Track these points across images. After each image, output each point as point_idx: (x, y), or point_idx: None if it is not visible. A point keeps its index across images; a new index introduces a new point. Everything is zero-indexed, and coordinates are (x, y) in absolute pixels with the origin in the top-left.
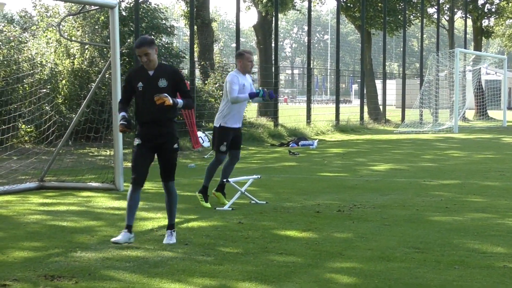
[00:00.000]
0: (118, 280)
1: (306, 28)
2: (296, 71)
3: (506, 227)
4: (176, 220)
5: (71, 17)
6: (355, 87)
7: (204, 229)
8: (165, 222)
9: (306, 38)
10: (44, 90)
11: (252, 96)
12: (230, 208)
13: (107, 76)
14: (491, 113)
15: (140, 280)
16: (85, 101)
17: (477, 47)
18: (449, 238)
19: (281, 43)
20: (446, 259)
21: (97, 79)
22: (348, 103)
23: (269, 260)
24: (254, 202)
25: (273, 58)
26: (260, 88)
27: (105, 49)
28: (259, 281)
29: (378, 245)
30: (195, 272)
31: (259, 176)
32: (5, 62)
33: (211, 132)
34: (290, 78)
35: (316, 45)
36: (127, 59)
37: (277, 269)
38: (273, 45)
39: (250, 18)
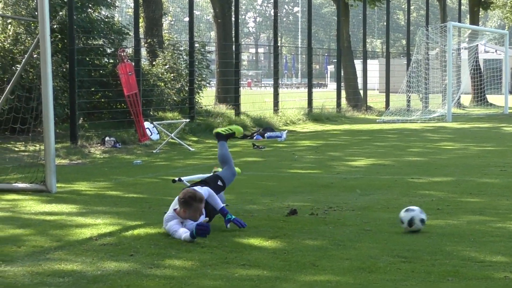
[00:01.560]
0: None
1: None
2: (261, 50)
3: (507, 231)
4: (119, 226)
5: None
6: (330, 68)
7: (153, 237)
8: (106, 229)
9: (273, 10)
10: None
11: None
12: None
13: (35, 56)
14: (490, 98)
15: None
16: (8, 86)
17: (474, 21)
18: (441, 244)
19: (243, 16)
20: (438, 269)
21: (23, 60)
22: (323, 87)
23: (229, 273)
24: None
25: (233, 34)
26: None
27: (32, 24)
28: None
29: (358, 253)
30: None
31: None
32: None
33: (160, 122)
34: (254, 58)
35: (285, 19)
36: (59, 36)
37: (239, 284)
38: (233, 19)
39: None
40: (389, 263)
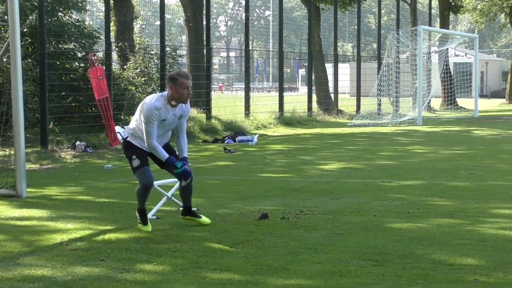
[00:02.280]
0: None
1: (244, 2)
2: (232, 54)
3: (477, 234)
4: (90, 231)
5: None
6: (302, 72)
7: (124, 242)
8: (77, 234)
9: (244, 14)
10: None
11: (170, 163)
12: (154, 217)
13: (5, 60)
14: (460, 101)
15: None
16: None
17: (444, 24)
18: (412, 248)
19: (215, 20)
20: (408, 272)
21: None
22: (294, 91)
23: (200, 277)
24: (182, 209)
25: (204, 38)
26: (182, 163)
27: (2, 28)
28: None
29: (329, 257)
30: None
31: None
32: None
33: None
34: (225, 62)
35: (256, 23)
36: (29, 40)
37: None
38: (204, 22)
39: None
40: (360, 267)
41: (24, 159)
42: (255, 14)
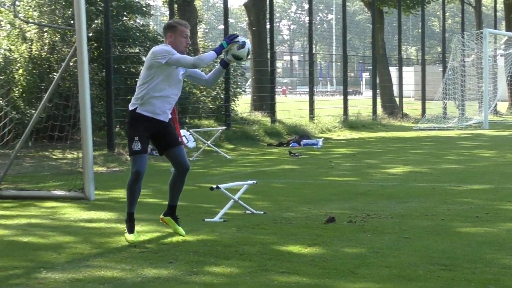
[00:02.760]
0: None
1: (306, 6)
2: (295, 57)
3: None
4: (157, 234)
5: None
6: (365, 75)
7: (191, 244)
8: (145, 236)
9: (307, 18)
10: None
11: (218, 52)
12: (222, 220)
13: (71, 64)
14: None
15: None
16: (46, 95)
17: (510, 27)
18: (481, 252)
19: (278, 24)
20: (478, 277)
21: (61, 68)
22: (358, 95)
23: (269, 280)
24: (249, 212)
25: (268, 42)
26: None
27: (68, 33)
28: None
29: (397, 261)
30: None
31: (254, 182)
32: None
33: (197, 130)
34: (289, 65)
35: (319, 27)
36: (95, 44)
37: None
38: (268, 26)
39: None
40: (428, 271)
41: (92, 162)
42: (318, 18)
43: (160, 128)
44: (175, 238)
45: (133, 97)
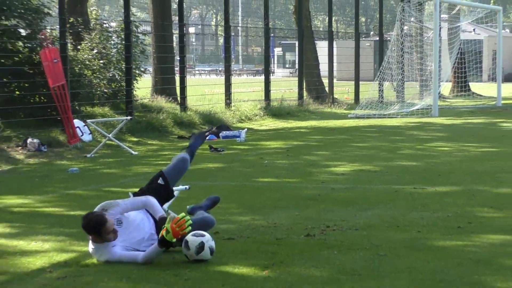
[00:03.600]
0: None
1: None
2: (192, 30)
3: None
4: (74, 254)
5: None
6: (278, 51)
7: (119, 267)
8: (59, 257)
9: None
10: None
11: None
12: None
13: None
14: (472, 86)
15: None
16: None
17: None
18: (478, 274)
19: None
20: None
21: None
22: (270, 75)
23: None
24: None
25: (174, 13)
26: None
27: None
28: None
29: (380, 286)
30: None
31: (187, 187)
32: None
33: (95, 120)
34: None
35: None
36: None
37: None
38: None
39: None
40: None
41: None
42: None
43: None
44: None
45: None
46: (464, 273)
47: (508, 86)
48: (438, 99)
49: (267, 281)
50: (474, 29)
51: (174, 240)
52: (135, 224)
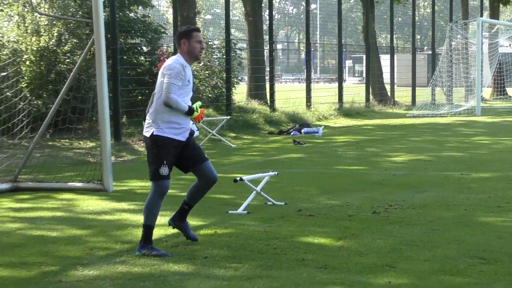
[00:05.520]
0: None
1: None
2: (279, 46)
3: None
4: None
5: None
6: (349, 63)
7: (222, 238)
8: (173, 230)
9: (291, 8)
10: (4, 74)
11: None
12: (246, 212)
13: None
14: (509, 90)
15: None
16: (65, 86)
17: (494, 15)
18: None
19: (264, 14)
20: None
21: (79, 59)
22: (343, 82)
23: (310, 276)
24: (271, 203)
25: (265, 33)
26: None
27: (71, 23)
28: None
29: (434, 255)
30: None
31: (276, 173)
32: None
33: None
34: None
35: (302, 16)
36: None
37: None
38: (266, 16)
39: None
40: (469, 265)
41: (110, 154)
42: (301, 7)
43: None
44: (202, 231)
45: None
46: (504, 244)
47: None
48: (481, 101)
49: (341, 250)
50: (510, 44)
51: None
52: None
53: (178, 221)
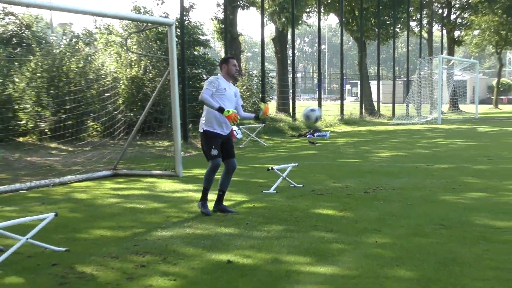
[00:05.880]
0: (197, 256)
1: (307, 39)
2: (298, 75)
3: (511, 205)
4: (232, 202)
5: (127, 33)
6: (348, 87)
7: (258, 210)
8: (225, 203)
9: (307, 48)
10: (108, 94)
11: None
12: (275, 192)
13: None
14: (461, 106)
15: (217, 256)
16: (149, 103)
17: (450, 54)
18: (466, 216)
19: (288, 52)
20: (470, 235)
21: (159, 85)
22: (344, 100)
23: (320, 236)
24: (293, 185)
25: (289, 65)
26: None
27: (153, 59)
28: (314, 255)
29: (408, 223)
30: (258, 248)
31: (296, 164)
32: (78, 72)
33: (244, 126)
34: (295, 80)
35: (315, 54)
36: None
37: (329, 245)
38: (290, 53)
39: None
40: (433, 230)
41: (180, 149)
42: (315, 47)
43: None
44: (245, 205)
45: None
46: (457, 215)
47: (482, 106)
48: (441, 114)
49: (342, 218)
50: (461, 73)
51: (225, 115)
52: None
53: (218, 205)
